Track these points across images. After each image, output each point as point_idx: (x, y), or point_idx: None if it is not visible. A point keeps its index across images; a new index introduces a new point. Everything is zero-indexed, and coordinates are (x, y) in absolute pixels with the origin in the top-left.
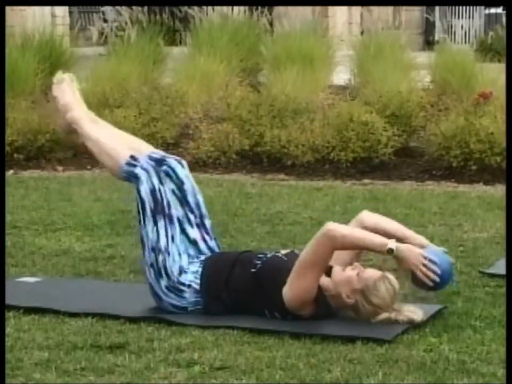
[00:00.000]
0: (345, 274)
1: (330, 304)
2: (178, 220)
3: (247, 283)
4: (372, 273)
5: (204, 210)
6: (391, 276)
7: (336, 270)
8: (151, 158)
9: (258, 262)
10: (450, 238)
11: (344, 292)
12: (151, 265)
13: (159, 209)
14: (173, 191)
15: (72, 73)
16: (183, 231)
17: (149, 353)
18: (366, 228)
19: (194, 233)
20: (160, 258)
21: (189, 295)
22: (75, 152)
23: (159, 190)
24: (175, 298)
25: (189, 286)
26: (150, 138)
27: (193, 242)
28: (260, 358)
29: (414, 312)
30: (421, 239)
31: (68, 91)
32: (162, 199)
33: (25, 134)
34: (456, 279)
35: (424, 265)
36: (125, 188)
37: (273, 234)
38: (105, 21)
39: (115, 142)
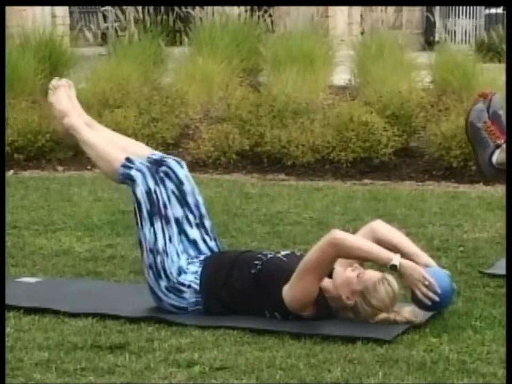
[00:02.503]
0: (345, 276)
1: (331, 305)
2: (178, 220)
3: (246, 284)
4: (371, 274)
5: (203, 210)
6: (390, 278)
7: (337, 272)
8: (150, 159)
9: (258, 262)
10: (450, 238)
11: (344, 293)
12: (150, 266)
13: (155, 211)
14: (173, 192)
15: (71, 75)
16: (182, 231)
17: (149, 354)
18: (375, 238)
19: (194, 233)
20: (159, 259)
21: (188, 295)
22: (75, 152)
23: (155, 191)
24: (174, 298)
25: (189, 286)
26: (150, 138)
27: (193, 243)
28: (260, 358)
29: (413, 313)
30: (427, 259)
31: (63, 97)
32: (158, 200)
33: (25, 134)
34: (456, 279)
35: (425, 285)
36: (125, 189)
37: (273, 235)
38: (105, 21)
39: (111, 147)
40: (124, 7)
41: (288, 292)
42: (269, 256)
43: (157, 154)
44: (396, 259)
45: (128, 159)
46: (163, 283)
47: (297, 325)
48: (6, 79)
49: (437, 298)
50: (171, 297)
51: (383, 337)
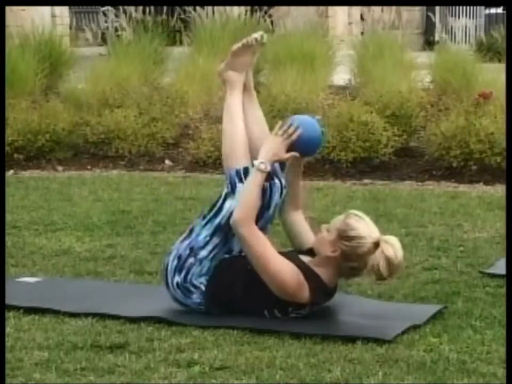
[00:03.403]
0: (318, 239)
1: (328, 286)
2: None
3: (244, 287)
4: (336, 219)
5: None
6: (355, 211)
7: (315, 242)
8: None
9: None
10: (450, 238)
11: (327, 250)
12: (179, 256)
13: (225, 230)
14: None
15: (70, 75)
16: (231, 237)
17: (149, 353)
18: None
19: (236, 246)
20: (190, 260)
21: (195, 296)
22: (75, 152)
23: None
24: (180, 296)
25: (198, 288)
26: (150, 138)
27: (229, 253)
28: (260, 358)
29: (394, 245)
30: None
31: (249, 53)
32: None
33: (25, 134)
34: (456, 279)
35: (282, 133)
36: (125, 189)
37: (273, 235)
38: (105, 21)
39: (244, 142)
40: (124, 7)
41: (272, 286)
42: None
43: (274, 165)
44: (256, 162)
45: (245, 171)
46: (177, 279)
47: (297, 325)
48: (6, 79)
49: (298, 130)
50: (177, 293)
51: (383, 337)
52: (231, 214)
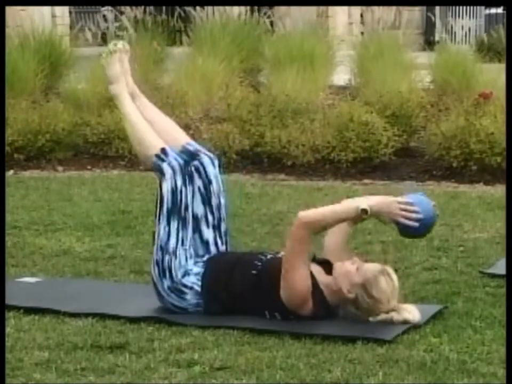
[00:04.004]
0: (345, 269)
1: (330, 303)
2: (197, 217)
3: (247, 284)
4: (371, 266)
5: (223, 213)
6: (390, 270)
7: (337, 266)
8: (184, 149)
9: (259, 263)
10: (451, 238)
11: (345, 286)
12: (157, 263)
13: (175, 211)
14: (199, 188)
15: (70, 75)
16: (198, 230)
17: (149, 354)
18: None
19: (208, 234)
20: (167, 258)
21: (190, 296)
22: (75, 152)
23: (181, 191)
24: (176, 299)
25: (191, 288)
26: None
27: (205, 243)
28: (260, 358)
29: (411, 312)
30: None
31: (115, 63)
32: (181, 200)
33: (25, 134)
34: (456, 279)
35: (402, 209)
36: (125, 189)
37: (273, 235)
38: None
39: (150, 131)
40: (124, 7)
41: (283, 289)
42: (269, 256)
43: (193, 145)
44: (362, 202)
45: (163, 151)
46: (166, 282)
47: (297, 325)
48: (6, 79)
49: (420, 215)
50: (172, 297)
51: (383, 337)
52: (172, 193)
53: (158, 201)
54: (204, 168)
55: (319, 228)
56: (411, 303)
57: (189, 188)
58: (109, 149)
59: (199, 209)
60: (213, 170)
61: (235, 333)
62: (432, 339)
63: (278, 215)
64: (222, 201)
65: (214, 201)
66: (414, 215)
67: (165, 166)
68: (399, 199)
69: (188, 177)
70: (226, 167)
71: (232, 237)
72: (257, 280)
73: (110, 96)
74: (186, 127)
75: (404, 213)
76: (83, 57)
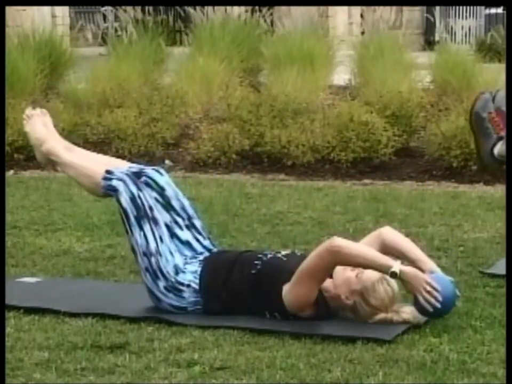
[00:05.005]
0: (345, 276)
1: (330, 305)
2: (167, 225)
3: (247, 284)
4: (371, 274)
5: (190, 211)
6: (391, 280)
7: (337, 271)
8: (128, 172)
9: (258, 262)
10: (450, 238)
11: (343, 293)
12: (146, 269)
13: (142, 214)
14: (156, 199)
15: (70, 75)
16: (174, 235)
17: (149, 354)
18: (382, 243)
19: (185, 235)
20: (153, 260)
21: (188, 294)
22: None
23: (139, 196)
24: (174, 298)
25: (188, 286)
26: (150, 138)
27: (187, 244)
28: (260, 358)
29: (411, 313)
30: (432, 265)
31: (38, 125)
32: (143, 203)
33: (25, 134)
34: (456, 279)
35: (427, 291)
36: None
37: (273, 235)
38: (105, 21)
39: (91, 163)
40: (124, 7)
41: (288, 294)
42: (269, 256)
43: (135, 166)
44: (396, 266)
45: (108, 171)
46: (161, 283)
47: (297, 325)
48: (6, 79)
49: (438, 305)
50: (170, 297)
51: (383, 337)
52: (132, 202)
53: (123, 216)
54: (153, 179)
55: (346, 262)
56: (411, 303)
57: (145, 191)
58: (109, 149)
59: (165, 217)
60: (162, 178)
61: (235, 333)
62: (432, 339)
63: (278, 215)
64: (184, 201)
65: (175, 204)
66: (433, 301)
67: (114, 182)
68: (429, 280)
69: (142, 187)
70: (226, 167)
71: (232, 237)
72: (256, 280)
73: (110, 96)
74: (186, 127)
75: (426, 294)
76: (83, 57)
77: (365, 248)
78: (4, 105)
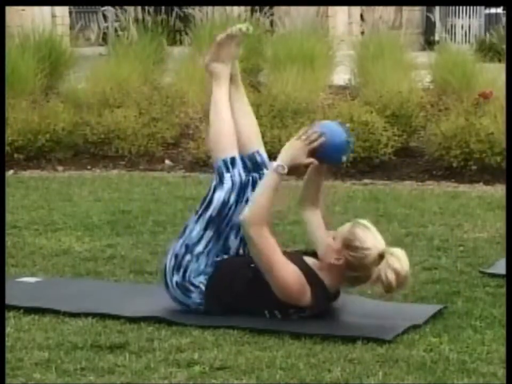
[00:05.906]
0: (324, 245)
1: (328, 288)
2: (232, 225)
3: (245, 285)
4: (343, 227)
5: None
6: (361, 220)
7: (319, 249)
8: (252, 157)
9: (254, 265)
10: (451, 238)
11: (331, 257)
12: (176, 255)
13: (217, 222)
14: (247, 200)
15: (71, 75)
16: (226, 236)
17: (149, 353)
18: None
19: (233, 243)
20: (187, 258)
21: (195, 295)
22: (75, 152)
23: (230, 207)
24: (180, 295)
25: (198, 287)
26: (150, 138)
27: (227, 249)
28: (260, 358)
29: (400, 259)
30: None
31: (227, 45)
32: (226, 215)
33: (25, 134)
34: (456, 279)
35: (305, 138)
36: (125, 189)
37: (273, 235)
38: (105, 21)
39: (230, 134)
40: (124, 7)
41: (276, 289)
42: None
43: (262, 156)
44: (274, 163)
45: (232, 161)
46: (176, 278)
47: (297, 325)
48: (6, 79)
49: (322, 138)
50: (177, 293)
51: (383, 337)
52: (222, 205)
53: (206, 202)
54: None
55: (264, 214)
56: (411, 302)
57: (239, 207)
58: (109, 148)
59: (237, 218)
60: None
61: (235, 332)
62: (432, 339)
63: (278, 215)
64: None
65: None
66: (315, 136)
67: (227, 176)
68: (300, 132)
69: (241, 191)
70: None
71: None
72: (253, 280)
73: (110, 96)
74: (186, 127)
75: (307, 140)
76: (83, 57)
77: (254, 193)
78: (4, 105)
